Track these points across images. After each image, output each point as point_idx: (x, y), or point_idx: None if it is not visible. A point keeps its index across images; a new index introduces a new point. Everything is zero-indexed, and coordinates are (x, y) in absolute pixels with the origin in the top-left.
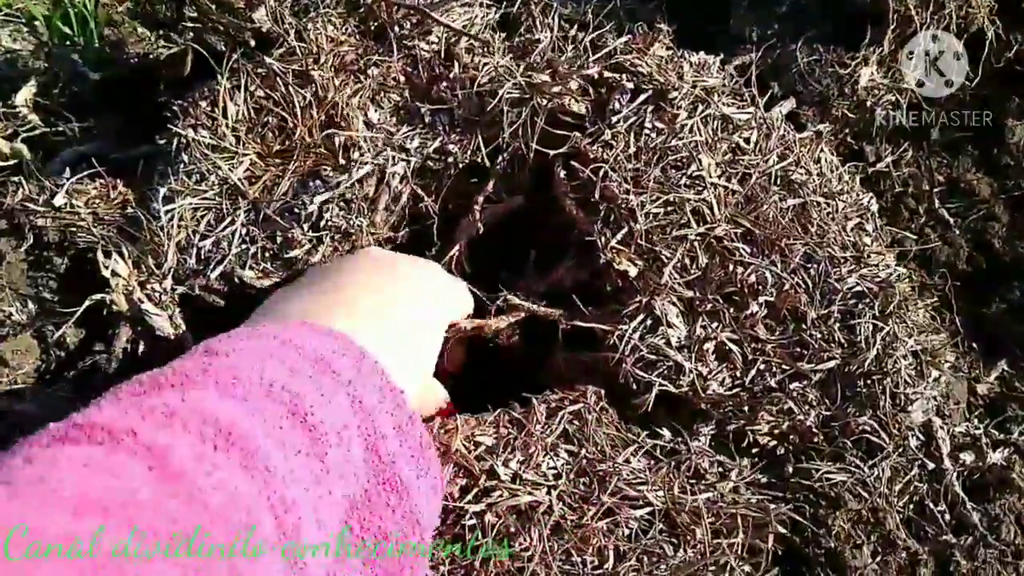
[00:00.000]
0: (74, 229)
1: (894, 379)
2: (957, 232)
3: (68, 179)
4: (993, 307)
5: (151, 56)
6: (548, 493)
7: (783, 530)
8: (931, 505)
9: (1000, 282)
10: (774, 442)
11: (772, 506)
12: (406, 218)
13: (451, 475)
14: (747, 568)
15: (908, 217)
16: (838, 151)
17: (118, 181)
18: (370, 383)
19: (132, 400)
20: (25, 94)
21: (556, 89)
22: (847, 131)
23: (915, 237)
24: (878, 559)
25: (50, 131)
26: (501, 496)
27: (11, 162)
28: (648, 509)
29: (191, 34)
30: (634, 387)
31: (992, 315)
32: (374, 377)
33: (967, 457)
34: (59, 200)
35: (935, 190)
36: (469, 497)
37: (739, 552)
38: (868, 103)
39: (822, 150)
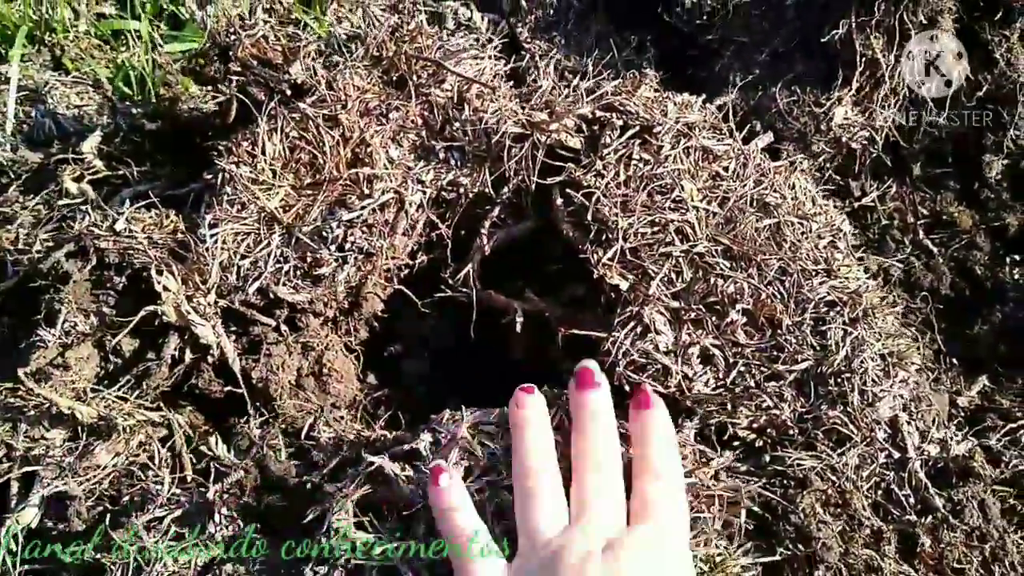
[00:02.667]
0: (132, 251)
1: (862, 378)
2: (941, 260)
3: (128, 208)
4: (976, 328)
5: (201, 110)
6: None
7: (755, 507)
8: (896, 490)
9: (983, 305)
10: (753, 435)
11: (743, 485)
12: (422, 245)
13: (456, 457)
14: (722, 542)
15: (894, 248)
16: (824, 184)
17: (171, 212)
18: None
19: None
20: (91, 143)
21: (554, 126)
22: (829, 167)
23: (901, 265)
24: (843, 534)
25: (111, 174)
26: (501, 476)
27: (78, 200)
28: None
29: (235, 86)
30: (626, 388)
31: (974, 336)
32: None
33: (932, 449)
34: (120, 225)
35: (919, 222)
36: (471, 479)
37: (713, 527)
38: (843, 139)
39: (796, 177)
